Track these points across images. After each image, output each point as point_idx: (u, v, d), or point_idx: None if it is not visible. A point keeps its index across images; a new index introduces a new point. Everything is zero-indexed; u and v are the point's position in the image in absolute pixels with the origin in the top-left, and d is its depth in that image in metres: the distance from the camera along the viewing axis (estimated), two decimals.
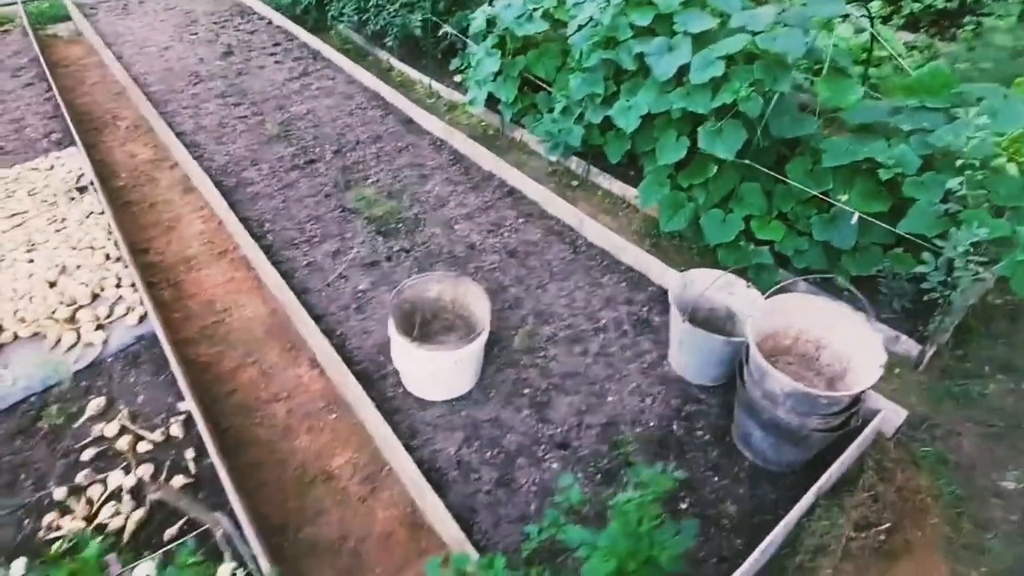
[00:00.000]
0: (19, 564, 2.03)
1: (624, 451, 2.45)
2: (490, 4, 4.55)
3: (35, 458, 2.51)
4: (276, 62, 5.62)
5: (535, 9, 4.22)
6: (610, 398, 2.67)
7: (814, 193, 3.10)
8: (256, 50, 5.85)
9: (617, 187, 4.03)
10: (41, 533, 2.24)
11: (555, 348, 2.90)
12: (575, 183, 4.22)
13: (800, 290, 3.06)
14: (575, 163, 4.26)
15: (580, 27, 3.80)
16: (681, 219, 3.40)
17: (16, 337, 2.96)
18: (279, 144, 4.47)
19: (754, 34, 3.05)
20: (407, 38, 5.39)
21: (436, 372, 2.53)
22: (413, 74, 5.56)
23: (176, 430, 2.57)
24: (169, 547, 2.06)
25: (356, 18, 5.71)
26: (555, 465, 2.42)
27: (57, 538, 2.20)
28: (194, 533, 2.15)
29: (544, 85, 4.35)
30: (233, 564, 1.90)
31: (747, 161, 3.15)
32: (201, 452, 2.50)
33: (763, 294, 2.60)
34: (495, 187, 4.01)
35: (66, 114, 4.60)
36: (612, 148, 3.80)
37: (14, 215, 3.71)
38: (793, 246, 3.19)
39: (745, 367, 2.38)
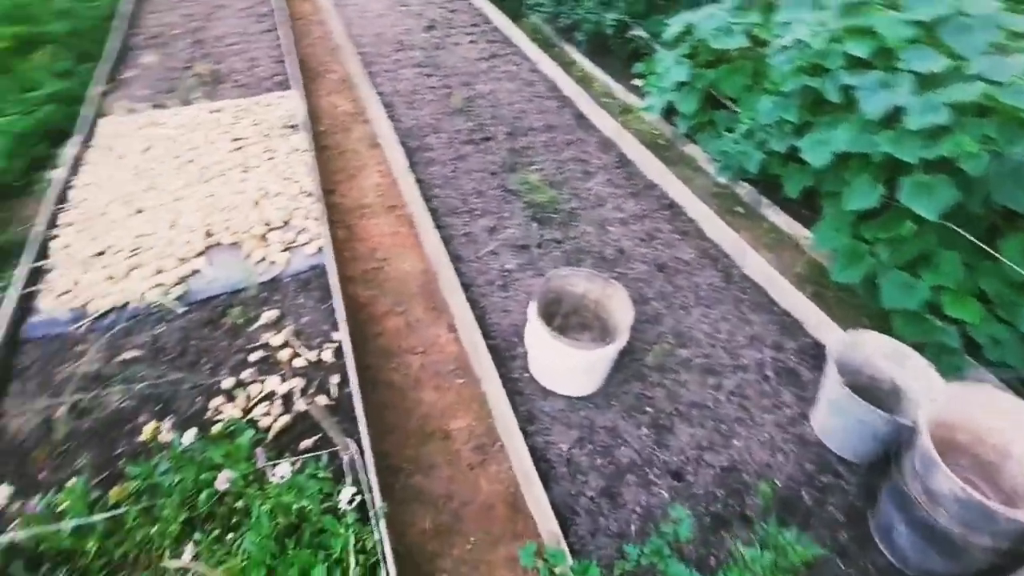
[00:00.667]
0: (190, 433, 2.33)
1: (743, 502, 2.26)
2: (693, 10, 4.36)
3: (215, 348, 2.87)
4: (471, 41, 5.85)
5: (736, 24, 3.96)
6: (736, 442, 2.47)
7: None
8: (455, 28, 6.13)
9: (786, 222, 3.70)
10: (208, 413, 2.56)
11: (688, 374, 2.74)
12: (740, 209, 3.94)
13: (989, 384, 2.60)
14: (745, 189, 3.97)
15: (784, 48, 3.50)
16: (857, 272, 3.03)
17: (220, 244, 3.40)
18: (460, 118, 4.65)
19: (994, 84, 2.60)
20: (596, 35, 5.34)
21: (567, 367, 2.50)
22: (594, 71, 5.51)
23: (327, 355, 2.80)
24: (302, 456, 2.24)
25: (551, 10, 5.76)
26: (664, 493, 2.29)
27: (218, 420, 2.50)
28: (326, 451, 2.32)
29: (728, 103, 4.09)
30: (353, 489, 2.02)
31: (951, 225, 2.73)
32: (344, 381, 2.70)
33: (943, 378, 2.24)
34: (656, 197, 3.86)
35: (288, 62, 5.14)
36: (791, 181, 3.48)
37: (237, 139, 4.24)
38: (989, 333, 2.72)
39: (905, 454, 2.07)
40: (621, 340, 2.45)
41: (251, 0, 6.72)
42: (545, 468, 2.35)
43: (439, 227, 3.54)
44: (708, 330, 2.95)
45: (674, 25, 4.18)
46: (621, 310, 2.58)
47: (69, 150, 4.05)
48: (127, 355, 2.81)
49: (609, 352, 2.43)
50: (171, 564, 1.89)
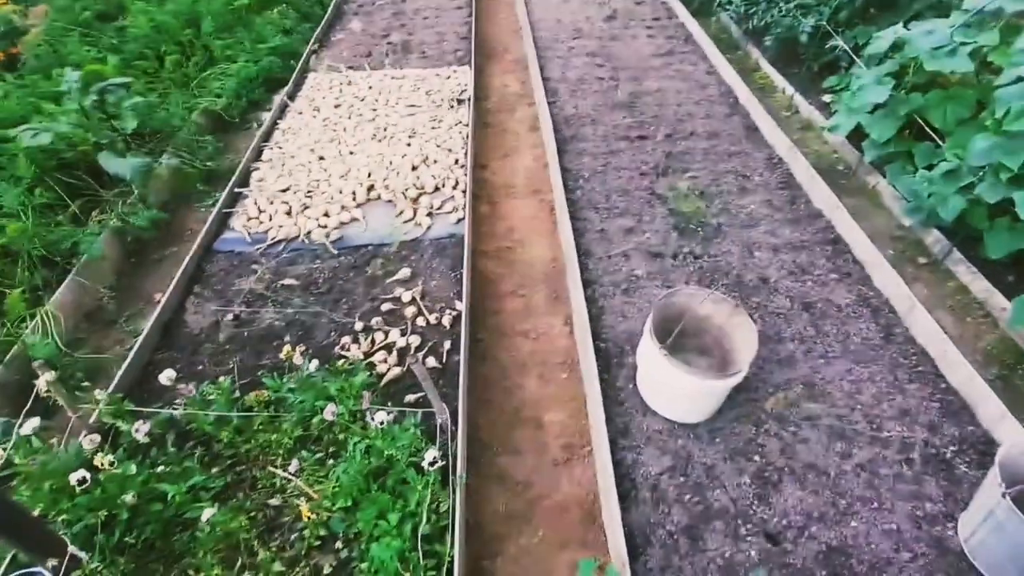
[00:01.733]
0: (315, 363, 2.54)
1: None
2: (905, 25, 3.68)
3: (355, 292, 3.09)
4: (649, 36, 5.56)
5: (964, 43, 3.26)
6: (854, 523, 2.11)
7: None
8: (636, 20, 5.87)
9: (981, 287, 3.03)
10: (337, 348, 2.77)
11: (812, 432, 2.39)
12: (923, 261, 3.31)
13: None
14: (933, 237, 3.32)
15: (1021, 79, 2.81)
16: None
17: (379, 198, 3.63)
18: (621, 112, 4.47)
19: None
20: (788, 41, 4.77)
21: (672, 389, 2.30)
22: (778, 80, 4.94)
23: (446, 321, 2.88)
24: (403, 409, 2.33)
25: (742, 9, 5.25)
26: (753, 553, 2.03)
27: (343, 357, 2.70)
28: (423, 410, 2.40)
29: (933, 135, 3.42)
30: (438, 451, 2.06)
31: None
32: (455, 348, 2.76)
33: None
34: (819, 229, 3.38)
35: (471, 40, 5.29)
36: (996, 239, 2.82)
37: (411, 106, 4.49)
38: None
39: None
40: (737, 376, 2.20)
41: None
42: (628, 487, 2.20)
43: (575, 219, 3.44)
44: (849, 389, 2.54)
45: (883, 38, 3.57)
46: (745, 342, 2.30)
47: (279, 97, 4.59)
48: (286, 281, 3.14)
49: (721, 385, 2.19)
50: (279, 472, 2.09)
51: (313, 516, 1.98)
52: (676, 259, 3.21)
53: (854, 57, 4.19)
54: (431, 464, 1.99)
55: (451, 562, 1.90)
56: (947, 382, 2.56)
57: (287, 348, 2.54)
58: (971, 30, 3.45)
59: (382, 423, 2.14)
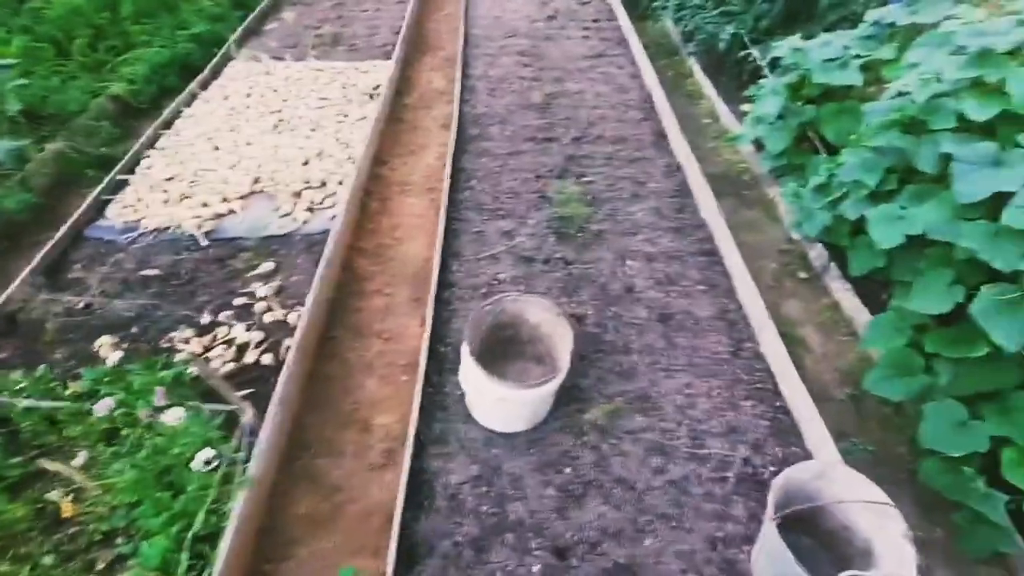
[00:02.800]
0: (116, 356, 2.50)
1: None
2: (807, 37, 3.65)
3: (214, 284, 3.04)
4: (584, 37, 5.50)
5: (857, 56, 3.22)
6: (648, 541, 2.06)
7: None
8: (575, 21, 5.81)
9: (851, 304, 2.98)
10: (175, 342, 2.72)
11: (632, 446, 2.34)
12: (804, 275, 3.27)
13: None
14: (816, 252, 3.27)
15: (901, 94, 2.76)
16: (899, 389, 2.35)
17: (262, 192, 3.58)
18: (534, 113, 4.41)
19: None
20: (711, 50, 4.72)
21: (484, 398, 2.26)
22: (706, 87, 4.89)
23: (293, 317, 2.84)
24: (204, 406, 2.27)
25: (671, 14, 5.21)
26: (536, 568, 1.98)
27: (181, 350, 2.65)
28: (228, 408, 2.33)
29: (828, 148, 3.37)
30: (212, 452, 2.01)
31: None
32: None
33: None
34: (699, 239, 3.33)
35: (400, 37, 5.23)
36: (857, 258, 2.77)
37: (323, 99, 4.44)
38: None
39: None
40: (547, 384, 2.15)
41: None
42: (426, 496, 2.16)
43: (456, 219, 3.40)
44: (682, 403, 2.49)
45: (779, 49, 3.52)
46: (564, 352, 2.26)
47: (192, 85, 4.54)
48: (148, 271, 3.09)
49: (528, 395, 2.15)
50: (52, 465, 2.05)
51: (75, 513, 1.93)
52: (547, 264, 3.16)
53: (762, 67, 4.14)
54: (207, 463, 1.95)
55: (212, 566, 1.85)
56: (784, 401, 2.51)
57: (102, 339, 2.49)
58: (870, 42, 3.41)
59: (179, 419, 2.10)
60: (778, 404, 2.49)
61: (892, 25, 3.37)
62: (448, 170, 3.69)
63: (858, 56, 3.27)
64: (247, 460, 2.12)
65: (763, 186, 3.88)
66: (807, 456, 2.30)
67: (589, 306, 2.91)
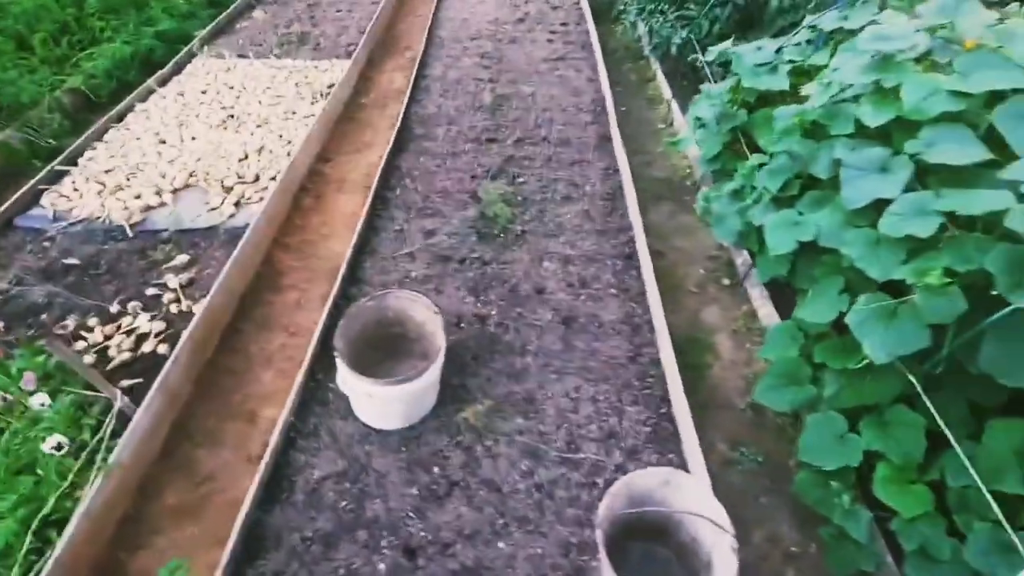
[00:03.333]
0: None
1: None
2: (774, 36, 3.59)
3: (130, 275, 3.08)
4: (548, 40, 5.49)
5: (791, 61, 3.15)
6: (501, 544, 2.02)
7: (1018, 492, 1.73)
8: (543, 24, 5.80)
9: (766, 312, 2.92)
10: (77, 329, 2.75)
11: (507, 448, 2.31)
12: (727, 282, 3.21)
13: None
14: (742, 259, 3.21)
15: (830, 101, 2.69)
16: (783, 399, 2.28)
17: (196, 185, 3.63)
18: (482, 114, 4.41)
19: None
20: (666, 55, 4.68)
21: (355, 393, 2.25)
22: (665, 91, 4.84)
23: (198, 309, 2.86)
24: (71, 392, 2.30)
25: (632, 18, 5.18)
26: (382, 566, 1.96)
27: (82, 338, 2.69)
28: (102, 396, 2.34)
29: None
30: (60, 438, 2.02)
31: (916, 381, 1.91)
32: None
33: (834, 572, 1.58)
34: (622, 243, 3.29)
35: (364, 37, 5.27)
36: (762, 264, 2.70)
37: (277, 97, 4.49)
38: (923, 541, 1.87)
39: None
40: (411, 382, 2.13)
41: None
42: (285, 489, 2.15)
43: (380, 217, 3.41)
44: (566, 406, 2.45)
45: (711, 54, 3.47)
46: (435, 350, 2.24)
47: (150, 81, 4.62)
48: (69, 260, 3.15)
49: (386, 391, 2.13)
50: None
51: None
52: (462, 264, 3.14)
53: (711, 73, 4.09)
54: (57, 449, 1.97)
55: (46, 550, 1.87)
56: (669, 408, 2.45)
57: None
58: (805, 48, 3.34)
59: (43, 404, 2.12)
60: (663, 411, 2.44)
61: (830, 31, 3.30)
62: (381, 168, 3.70)
63: (791, 61, 3.21)
64: (111, 448, 2.13)
65: (703, 189, 3.82)
66: (683, 465, 2.25)
67: (495, 306, 2.89)
